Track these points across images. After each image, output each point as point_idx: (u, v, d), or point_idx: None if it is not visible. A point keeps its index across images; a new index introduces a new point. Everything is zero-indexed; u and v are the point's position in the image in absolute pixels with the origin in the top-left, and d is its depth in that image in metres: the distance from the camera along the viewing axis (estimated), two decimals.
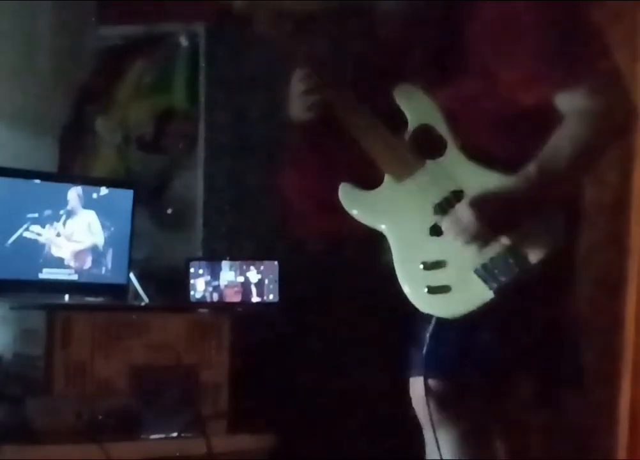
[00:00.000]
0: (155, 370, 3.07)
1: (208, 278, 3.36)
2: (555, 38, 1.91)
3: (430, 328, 2.00)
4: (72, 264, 3.32)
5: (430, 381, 2.05)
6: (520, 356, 2.04)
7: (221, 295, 3.37)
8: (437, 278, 1.97)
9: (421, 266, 1.98)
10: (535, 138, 1.96)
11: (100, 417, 2.83)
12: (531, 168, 1.94)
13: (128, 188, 3.46)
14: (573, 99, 1.94)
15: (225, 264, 3.38)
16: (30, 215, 3.22)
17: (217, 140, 3.75)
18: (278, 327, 3.41)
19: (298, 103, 2.07)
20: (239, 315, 3.30)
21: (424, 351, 2.01)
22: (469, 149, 2.00)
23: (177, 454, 2.93)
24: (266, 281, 3.39)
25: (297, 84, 2.08)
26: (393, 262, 2.03)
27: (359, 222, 2.09)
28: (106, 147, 3.86)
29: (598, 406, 3.25)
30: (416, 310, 2.02)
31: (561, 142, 1.94)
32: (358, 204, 2.08)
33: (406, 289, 2.00)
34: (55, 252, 3.28)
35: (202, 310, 3.32)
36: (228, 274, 3.38)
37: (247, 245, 3.64)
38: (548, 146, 1.94)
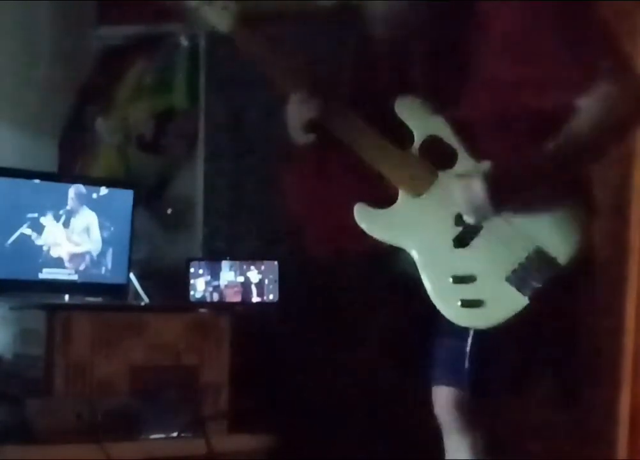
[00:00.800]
0: (155, 370, 3.07)
1: (208, 278, 3.36)
2: (567, 41, 1.90)
3: (470, 341, 1.97)
4: (72, 264, 3.32)
5: (456, 392, 2.03)
6: (545, 365, 2.03)
7: (221, 295, 3.37)
8: (469, 291, 1.95)
9: (451, 280, 1.96)
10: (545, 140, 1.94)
11: (100, 417, 2.83)
12: (549, 145, 1.92)
13: (128, 188, 3.46)
14: (592, 100, 1.94)
15: (225, 264, 3.38)
16: (30, 215, 3.22)
17: (217, 140, 3.75)
18: (278, 327, 3.41)
19: (296, 127, 2.05)
20: (239, 315, 3.30)
21: (466, 365, 1.98)
22: (479, 155, 1.98)
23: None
24: (266, 281, 3.39)
25: (293, 109, 2.06)
26: (420, 279, 2.00)
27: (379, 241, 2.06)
28: (106, 147, 3.86)
29: (598, 406, 3.25)
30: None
31: (579, 124, 1.93)
32: (376, 224, 2.04)
33: (439, 304, 1.97)
34: (55, 252, 3.28)
35: (202, 310, 3.32)
36: (228, 274, 3.38)
37: (247, 245, 3.64)
38: (567, 128, 1.93)
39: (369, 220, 2.05)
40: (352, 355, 3.35)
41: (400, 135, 2.03)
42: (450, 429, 2.08)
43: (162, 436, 2.99)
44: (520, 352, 1.99)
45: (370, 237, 2.05)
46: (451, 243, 1.97)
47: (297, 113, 2.04)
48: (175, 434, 3.01)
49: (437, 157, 2.00)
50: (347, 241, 2.14)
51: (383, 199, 2.05)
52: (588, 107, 1.93)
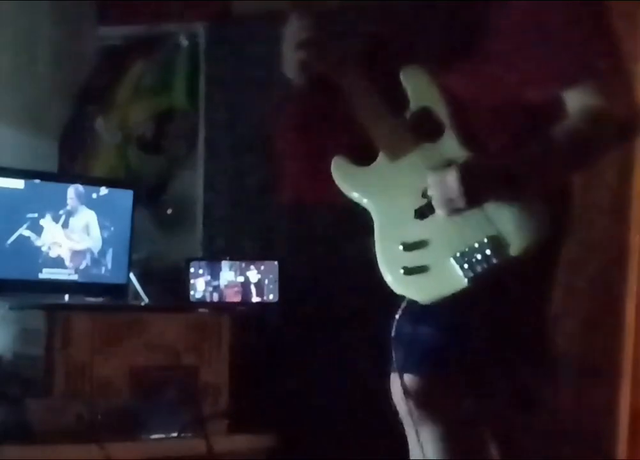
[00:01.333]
0: (155, 370, 3.07)
1: (208, 278, 3.36)
2: (571, 34, 1.91)
3: (399, 310, 1.98)
4: (72, 264, 3.32)
5: (408, 377, 2.03)
6: (491, 350, 2.02)
7: (221, 295, 3.37)
8: (415, 259, 1.94)
9: (401, 247, 1.96)
10: (534, 136, 1.95)
11: (100, 417, 2.83)
12: (523, 150, 1.92)
13: (128, 188, 3.46)
14: (579, 96, 1.93)
15: (225, 264, 3.38)
16: (30, 215, 3.22)
17: (217, 140, 3.76)
18: (278, 327, 3.41)
19: (291, 59, 2.03)
20: (239, 315, 3.30)
21: (392, 335, 2.00)
22: (465, 137, 1.98)
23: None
24: (266, 281, 3.39)
25: (292, 35, 2.01)
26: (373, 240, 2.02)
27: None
28: (106, 147, 3.87)
29: (598, 406, 3.25)
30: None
31: (561, 136, 1.93)
32: (348, 179, 2.06)
33: (382, 268, 1.98)
34: (55, 252, 3.28)
35: (202, 310, 3.32)
36: (228, 274, 3.38)
37: (247, 245, 3.64)
38: (547, 136, 1.93)
39: (343, 174, 2.06)
40: (352, 355, 3.36)
41: (397, 99, 2.03)
42: (407, 420, 2.08)
43: (162, 436, 2.99)
44: (456, 332, 1.98)
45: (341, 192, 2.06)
46: (412, 212, 1.97)
47: (296, 40, 2.01)
48: (175, 434, 3.00)
49: (425, 129, 2.00)
50: (322, 192, 2.14)
51: (364, 158, 2.05)
52: (570, 118, 1.93)
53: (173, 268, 3.51)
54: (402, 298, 1.98)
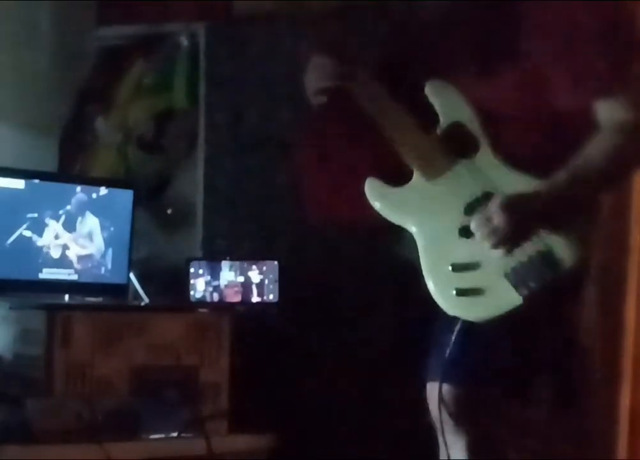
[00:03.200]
0: (155, 370, 3.07)
1: (208, 278, 3.36)
2: (605, 45, 1.89)
3: (455, 331, 1.96)
4: (72, 264, 3.32)
5: (449, 387, 2.01)
6: (538, 366, 2.02)
7: (221, 295, 3.37)
8: (467, 280, 1.93)
9: (450, 268, 1.94)
10: (568, 145, 1.93)
11: (100, 417, 2.83)
12: (562, 174, 1.91)
13: (128, 188, 3.46)
14: (611, 109, 1.92)
15: (225, 264, 3.38)
16: (30, 215, 3.22)
17: (217, 140, 3.75)
18: (278, 327, 3.41)
19: (314, 88, 2.01)
20: (239, 315, 3.30)
21: (446, 355, 1.97)
22: (501, 150, 1.97)
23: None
24: (266, 281, 3.39)
25: (314, 70, 2.02)
26: (419, 262, 1.98)
27: (381, 217, 2.04)
28: (106, 147, 3.86)
29: (598, 406, 3.24)
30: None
31: (593, 151, 1.92)
32: (384, 200, 2.02)
33: (433, 290, 1.95)
34: (55, 252, 3.28)
35: (202, 310, 3.32)
36: (228, 274, 3.38)
37: (247, 245, 3.64)
38: (580, 155, 1.92)
39: (379, 196, 2.03)
40: (352, 355, 3.36)
41: (425, 117, 2.01)
42: (442, 427, 2.07)
43: (162, 436, 2.99)
44: (508, 347, 1.97)
45: (374, 214, 2.03)
46: (457, 231, 1.95)
47: (317, 71, 2.00)
48: (175, 434, 3.00)
49: (460, 145, 1.98)
50: (350, 214, 2.12)
51: (395, 177, 2.03)
52: (603, 134, 1.92)
53: (173, 268, 3.51)
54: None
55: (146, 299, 3.40)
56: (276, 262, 3.39)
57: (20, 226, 3.20)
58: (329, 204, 2.16)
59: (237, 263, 3.38)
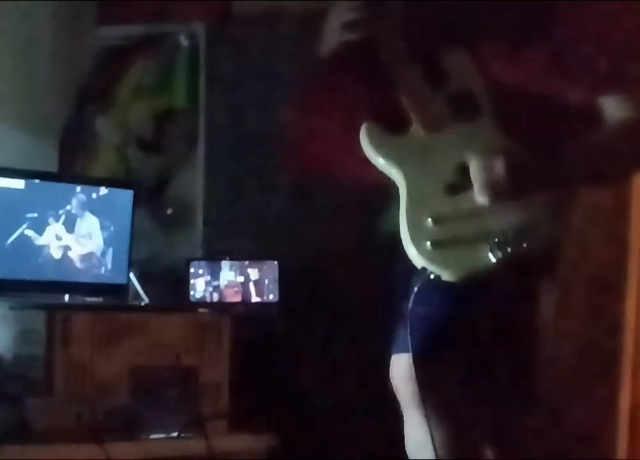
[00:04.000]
0: (155, 370, 3.07)
1: (208, 278, 3.36)
2: (627, 46, 1.91)
3: (420, 282, 1.93)
4: (72, 264, 3.32)
5: (410, 358, 1.99)
6: (494, 340, 2.01)
7: (221, 295, 3.37)
8: (444, 233, 1.92)
9: (430, 220, 1.92)
10: (572, 136, 1.94)
11: (100, 417, 2.83)
12: (569, 157, 1.92)
13: (128, 188, 3.46)
14: (616, 105, 1.93)
15: (225, 264, 3.38)
16: (30, 215, 3.22)
17: (217, 140, 3.75)
18: (278, 327, 3.41)
19: (333, 39, 2.01)
20: (239, 315, 3.30)
21: (408, 308, 1.94)
22: (504, 123, 1.97)
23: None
24: (266, 281, 3.39)
25: (338, 15, 1.97)
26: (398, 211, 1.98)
27: (373, 168, 2.04)
28: (106, 147, 3.86)
29: (598, 406, 3.25)
30: None
31: (599, 143, 1.93)
32: (378, 145, 2.01)
33: (407, 240, 1.93)
34: (55, 252, 3.28)
35: (202, 310, 3.32)
36: (228, 274, 3.38)
37: (247, 245, 3.64)
38: (585, 143, 1.94)
39: (374, 140, 2.01)
40: (352, 355, 3.36)
41: (438, 76, 2.02)
42: (404, 403, 2.06)
43: (162, 436, 2.99)
44: (468, 314, 1.98)
45: (363, 169, 2.03)
46: (443, 188, 1.95)
47: (340, 15, 1.99)
48: (175, 434, 3.01)
49: (464, 108, 1.99)
50: (339, 168, 2.12)
51: (393, 127, 2.02)
52: (611, 127, 1.93)
53: (173, 268, 3.51)
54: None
55: (146, 299, 3.40)
56: (276, 262, 3.39)
57: (20, 226, 3.20)
58: (325, 157, 2.16)
59: (237, 263, 3.38)
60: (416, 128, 2.01)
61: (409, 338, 1.95)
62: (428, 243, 1.91)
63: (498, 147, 1.93)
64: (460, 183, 1.93)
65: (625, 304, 3.27)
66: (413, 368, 1.99)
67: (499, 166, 1.87)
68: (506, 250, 1.87)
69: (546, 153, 1.92)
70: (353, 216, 3.38)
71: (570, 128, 1.96)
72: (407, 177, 1.99)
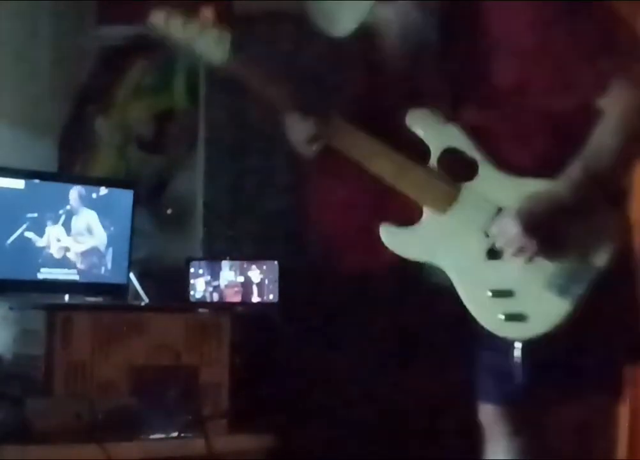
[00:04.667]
0: (155, 370, 3.07)
1: (208, 278, 3.36)
2: (579, 40, 1.86)
3: (518, 356, 1.92)
4: (72, 264, 3.32)
5: (503, 407, 2.02)
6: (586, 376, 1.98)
7: (221, 295, 3.37)
8: (510, 303, 1.90)
9: (490, 294, 1.91)
10: (570, 143, 1.90)
11: (100, 417, 2.83)
12: (575, 165, 1.87)
13: (128, 188, 3.46)
14: (613, 98, 1.89)
15: (225, 264, 3.38)
16: (30, 215, 3.22)
17: (217, 140, 3.75)
18: (278, 327, 3.41)
19: (300, 143, 2.01)
20: (239, 315, 3.30)
21: (515, 382, 1.94)
22: (501, 163, 1.93)
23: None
24: (266, 281, 3.39)
25: (291, 128, 2.02)
26: (456, 293, 1.96)
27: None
28: (106, 147, 3.86)
29: (598, 406, 3.24)
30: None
31: (604, 136, 1.88)
32: (405, 244, 1.99)
33: (482, 320, 1.92)
34: (55, 252, 3.28)
35: (202, 310, 3.32)
36: (228, 274, 3.38)
37: (247, 245, 3.64)
38: (591, 142, 1.88)
39: (397, 240, 1.99)
40: (352, 355, 3.35)
41: (416, 150, 1.98)
42: (494, 437, 2.06)
43: (162, 436, 2.99)
44: (568, 362, 1.93)
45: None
46: (484, 255, 1.93)
47: (296, 132, 2.00)
48: (175, 434, 3.00)
49: (457, 169, 1.95)
50: (376, 258, 2.08)
51: (408, 214, 1.99)
52: (608, 118, 1.88)
53: (173, 268, 3.51)
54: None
55: (146, 299, 3.40)
56: (276, 262, 3.39)
57: (20, 226, 3.20)
58: (357, 255, 2.13)
59: (237, 263, 3.38)
60: (428, 211, 1.97)
61: (509, 392, 1.96)
62: (502, 317, 1.90)
63: (509, 197, 1.89)
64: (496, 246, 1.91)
65: None
66: (506, 416, 2.01)
67: (510, 225, 1.85)
68: (574, 290, 1.86)
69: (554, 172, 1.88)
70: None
71: (567, 138, 1.91)
72: (446, 262, 1.96)
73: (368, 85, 2.12)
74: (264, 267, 3.39)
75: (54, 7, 3.70)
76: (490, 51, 1.90)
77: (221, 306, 3.33)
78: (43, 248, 3.25)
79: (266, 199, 3.60)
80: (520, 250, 1.87)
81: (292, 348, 3.39)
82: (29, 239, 3.22)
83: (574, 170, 1.87)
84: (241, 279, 3.38)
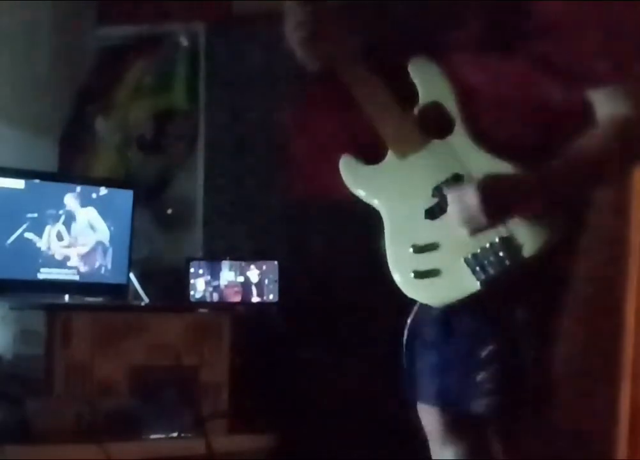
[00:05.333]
0: (155, 370, 3.07)
1: (208, 278, 3.36)
2: (610, 33, 1.85)
3: (411, 315, 1.96)
4: (72, 264, 3.32)
5: (439, 410, 2.02)
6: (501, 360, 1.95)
7: (221, 295, 3.37)
8: (426, 262, 1.90)
9: (411, 249, 1.91)
10: (550, 137, 1.89)
11: (100, 417, 2.83)
12: (554, 164, 1.86)
13: (128, 188, 3.46)
14: (608, 100, 1.88)
15: (225, 264, 3.38)
16: (30, 215, 3.22)
17: (217, 140, 3.75)
18: (278, 327, 3.41)
19: (292, 40, 2.00)
20: (239, 315, 3.30)
21: (442, 384, 1.95)
22: (479, 134, 1.93)
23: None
24: (266, 281, 3.39)
25: (292, 17, 1.96)
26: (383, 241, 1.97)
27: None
28: (106, 147, 3.86)
29: (598, 406, 3.25)
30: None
31: (592, 147, 1.87)
32: (356, 177, 2.01)
33: (393, 271, 1.93)
34: (55, 252, 3.28)
35: (202, 310, 3.32)
36: (228, 274, 3.38)
37: (247, 245, 3.64)
38: (577, 148, 1.87)
39: (351, 173, 2.02)
40: (352, 355, 3.36)
41: (405, 94, 1.98)
42: (435, 441, 2.07)
43: (162, 436, 2.99)
44: (495, 364, 1.92)
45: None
46: (422, 212, 1.93)
47: (288, 21, 1.99)
48: (175, 434, 3.01)
49: (436, 125, 1.95)
50: (331, 189, 2.11)
51: (373, 153, 2.00)
52: (600, 128, 1.87)
53: (173, 268, 3.51)
54: (407, 299, 1.96)
55: (146, 299, 3.40)
56: (276, 262, 3.39)
57: (20, 226, 3.20)
58: (311, 178, 2.15)
59: (237, 263, 3.38)
60: (391, 154, 1.99)
61: (438, 394, 1.97)
62: (412, 274, 1.91)
63: (471, 168, 1.89)
64: (438, 207, 1.91)
65: (625, 304, 3.27)
66: (442, 420, 2.02)
67: (472, 196, 1.83)
68: (489, 271, 1.85)
69: (530, 161, 1.87)
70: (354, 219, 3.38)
71: (554, 130, 1.91)
72: (385, 206, 1.98)
73: (380, 25, 2.12)
74: (264, 267, 3.39)
75: (54, 8, 3.70)
76: (519, 23, 1.90)
77: (221, 306, 3.33)
78: (43, 248, 3.25)
79: (266, 199, 3.60)
80: (469, 222, 1.86)
81: (291, 348, 3.39)
82: (29, 240, 3.22)
83: (550, 167, 1.86)
84: (240, 279, 3.38)
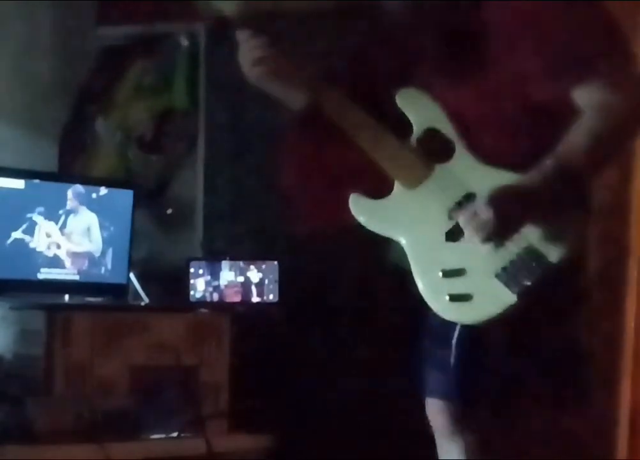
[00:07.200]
0: (155, 370, 3.07)
1: (208, 278, 3.36)
2: (573, 32, 1.89)
3: (455, 336, 1.96)
4: (72, 264, 3.32)
5: (448, 403, 2.03)
6: (539, 368, 2.00)
7: (221, 295, 3.37)
8: (458, 285, 1.92)
9: (440, 274, 1.93)
10: (548, 137, 1.91)
11: (100, 417, 2.83)
12: (548, 163, 1.88)
13: (128, 188, 3.46)
14: (590, 93, 1.90)
15: (225, 264, 3.38)
16: (30, 215, 3.22)
17: (217, 140, 3.75)
18: (278, 327, 3.41)
19: (250, 76, 2.02)
20: (239, 315, 3.30)
21: (454, 377, 1.97)
22: (478, 150, 1.96)
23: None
24: (266, 281, 3.39)
25: (246, 51, 2.07)
26: (409, 269, 1.98)
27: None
28: (106, 147, 3.86)
29: (598, 407, 3.24)
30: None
31: (578, 136, 1.89)
32: (369, 214, 2.03)
33: (427, 298, 1.95)
34: (55, 252, 3.28)
35: (202, 310, 3.32)
36: (228, 274, 3.38)
37: (247, 245, 3.64)
38: (565, 141, 1.89)
39: (363, 211, 2.03)
40: (352, 355, 3.36)
41: (399, 126, 2.01)
42: (442, 436, 2.07)
43: (162, 436, 2.99)
44: (511, 359, 1.96)
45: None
46: (443, 236, 1.95)
47: (243, 53, 2.02)
48: (175, 434, 3.01)
49: (435, 150, 1.98)
50: (338, 222, 2.12)
51: (380, 187, 2.02)
52: (586, 117, 1.90)
53: (173, 268, 3.51)
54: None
55: (146, 299, 3.40)
56: (276, 262, 3.39)
57: (20, 226, 3.20)
58: (316, 214, 2.17)
59: (237, 263, 3.38)
60: (398, 186, 2.01)
61: (448, 387, 1.99)
62: (447, 297, 1.92)
63: (481, 184, 1.91)
64: (457, 229, 1.92)
65: (625, 304, 3.27)
66: (451, 413, 2.02)
67: (485, 212, 1.84)
68: (521, 282, 1.87)
69: (528, 166, 1.89)
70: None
71: (544, 132, 1.93)
72: (405, 237, 2.00)
73: (361, 59, 2.15)
74: (264, 267, 3.39)
75: (54, 8, 3.70)
76: (486, 36, 1.93)
77: (221, 307, 3.33)
78: (43, 248, 3.25)
79: (266, 198, 3.60)
80: (488, 237, 1.87)
81: (291, 348, 3.39)
82: (29, 240, 3.22)
83: (545, 166, 1.88)
84: (241, 279, 3.38)
